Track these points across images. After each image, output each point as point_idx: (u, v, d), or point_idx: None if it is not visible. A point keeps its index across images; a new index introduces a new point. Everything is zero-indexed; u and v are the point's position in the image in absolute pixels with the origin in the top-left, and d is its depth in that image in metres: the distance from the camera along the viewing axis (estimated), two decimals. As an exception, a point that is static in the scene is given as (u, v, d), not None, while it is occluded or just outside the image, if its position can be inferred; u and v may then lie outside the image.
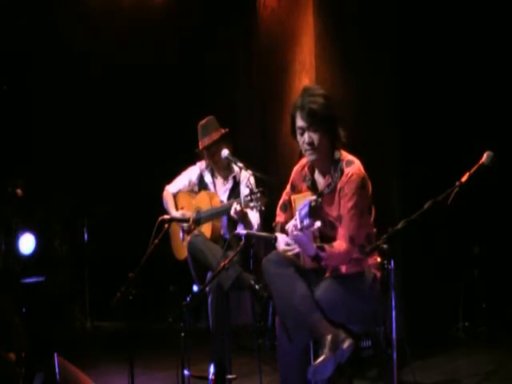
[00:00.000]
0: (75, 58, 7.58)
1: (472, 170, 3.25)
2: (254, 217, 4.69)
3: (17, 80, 7.21)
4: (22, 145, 7.39)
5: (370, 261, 3.49)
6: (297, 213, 3.22)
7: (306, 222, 3.11)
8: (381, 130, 5.99)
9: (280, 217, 3.79)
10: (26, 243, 6.94)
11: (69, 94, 7.60)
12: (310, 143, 3.45)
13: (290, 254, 3.51)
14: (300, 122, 3.46)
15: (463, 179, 3.23)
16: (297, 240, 3.27)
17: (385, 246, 3.25)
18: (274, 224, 3.79)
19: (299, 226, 3.16)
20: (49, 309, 6.87)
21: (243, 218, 4.53)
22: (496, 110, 6.06)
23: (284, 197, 3.82)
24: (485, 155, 3.28)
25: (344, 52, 6.02)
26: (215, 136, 4.86)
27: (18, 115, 7.34)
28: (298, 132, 3.49)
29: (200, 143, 4.95)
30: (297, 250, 3.50)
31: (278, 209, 3.83)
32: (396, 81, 6.13)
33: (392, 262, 3.30)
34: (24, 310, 5.97)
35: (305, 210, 3.12)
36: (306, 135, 3.45)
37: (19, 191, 6.56)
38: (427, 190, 3.52)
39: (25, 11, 7.25)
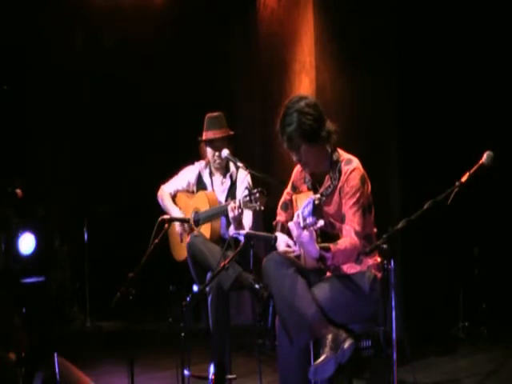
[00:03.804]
0: (75, 58, 7.58)
1: (472, 170, 3.25)
2: (247, 217, 4.69)
3: (17, 79, 7.21)
4: (21, 144, 7.39)
5: (371, 261, 3.49)
6: (299, 210, 3.21)
7: (310, 220, 3.10)
8: (381, 129, 5.99)
9: (281, 216, 3.79)
10: (26, 243, 6.94)
11: (69, 93, 7.60)
12: (299, 160, 3.52)
13: (290, 254, 3.52)
14: (284, 145, 3.51)
15: (463, 179, 3.23)
16: (300, 240, 3.25)
17: (385, 246, 3.24)
18: (274, 223, 3.80)
19: (302, 224, 3.15)
20: (49, 309, 6.87)
21: (238, 218, 4.52)
22: (496, 110, 6.06)
23: (285, 196, 3.83)
24: (485, 155, 3.28)
25: (344, 52, 6.03)
26: (220, 133, 4.84)
27: (17, 114, 7.34)
28: (289, 151, 3.54)
29: (204, 134, 4.90)
30: (297, 251, 3.50)
31: (279, 208, 3.84)
32: (396, 80, 6.13)
33: (392, 261, 3.30)
34: (24, 309, 5.96)
35: (308, 208, 3.12)
36: (293, 155, 3.51)
37: (19, 191, 6.55)
38: (427, 190, 3.52)
39: (25, 11, 7.25)
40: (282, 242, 3.58)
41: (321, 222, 3.12)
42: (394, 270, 3.29)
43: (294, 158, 3.54)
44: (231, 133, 4.90)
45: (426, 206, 3.14)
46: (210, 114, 4.94)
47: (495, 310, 5.96)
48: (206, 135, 4.89)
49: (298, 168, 3.76)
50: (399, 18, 6.10)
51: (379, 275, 3.49)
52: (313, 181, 3.62)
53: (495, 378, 4.72)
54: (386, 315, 3.45)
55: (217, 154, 4.86)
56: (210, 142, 4.87)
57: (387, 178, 5.89)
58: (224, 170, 4.98)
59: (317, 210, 3.12)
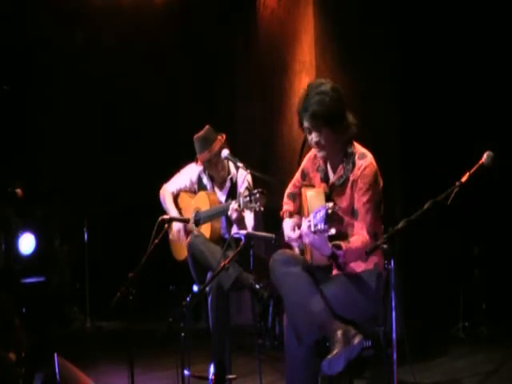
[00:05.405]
0: (74, 58, 7.58)
1: (472, 170, 3.25)
2: (249, 218, 4.68)
3: (17, 79, 7.21)
4: (22, 145, 7.39)
5: (376, 259, 3.47)
6: (311, 214, 3.18)
7: (321, 226, 3.08)
8: (382, 129, 5.98)
9: (288, 205, 3.75)
10: (26, 243, 6.94)
11: (68, 94, 7.60)
12: (317, 142, 3.46)
13: (293, 238, 3.51)
14: (305, 123, 3.45)
15: (463, 179, 3.23)
16: (311, 243, 3.24)
17: (385, 246, 3.24)
18: (281, 212, 3.76)
19: (313, 229, 3.14)
20: (49, 309, 6.87)
21: (240, 218, 4.51)
22: (496, 110, 6.06)
23: (294, 186, 3.77)
24: (485, 155, 3.27)
25: (344, 51, 6.03)
26: (215, 147, 4.78)
27: (17, 115, 7.34)
28: (306, 131, 3.48)
29: (199, 157, 4.85)
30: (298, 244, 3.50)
31: (286, 197, 3.79)
32: (397, 81, 6.14)
33: (392, 261, 3.30)
34: (24, 309, 5.96)
35: (320, 215, 3.09)
36: (312, 135, 3.45)
37: (19, 191, 6.56)
38: (427, 190, 3.52)
39: (25, 11, 7.25)
40: (289, 225, 3.57)
41: (332, 231, 3.10)
42: (393, 269, 3.29)
43: (313, 139, 3.45)
44: (223, 139, 4.86)
45: (426, 206, 3.13)
46: (196, 136, 4.84)
47: (495, 310, 5.96)
48: (202, 157, 4.84)
49: (310, 155, 3.70)
50: (400, 17, 6.10)
51: (384, 274, 3.48)
52: (326, 170, 3.59)
53: (495, 378, 4.72)
54: (386, 315, 3.45)
55: (221, 168, 4.84)
56: (209, 161, 4.85)
57: (388, 177, 5.86)
58: (224, 172, 4.94)
59: (330, 219, 3.08)
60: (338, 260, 3.30)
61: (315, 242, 3.20)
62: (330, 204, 3.12)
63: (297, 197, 3.75)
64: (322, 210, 3.09)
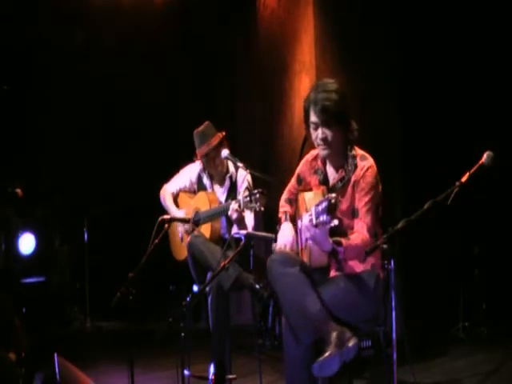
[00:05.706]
0: (74, 58, 7.58)
1: (472, 170, 3.25)
2: (249, 218, 4.68)
3: (17, 79, 7.21)
4: (22, 145, 7.39)
5: (374, 260, 3.47)
6: (312, 208, 3.17)
7: (323, 218, 3.07)
8: (382, 129, 5.99)
9: (286, 207, 3.76)
10: (26, 243, 6.95)
11: (68, 94, 7.60)
12: (324, 139, 3.44)
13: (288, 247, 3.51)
14: (313, 118, 3.44)
15: (463, 179, 3.23)
16: (312, 237, 3.23)
17: (385, 246, 3.24)
18: (280, 214, 3.76)
19: (314, 222, 3.13)
20: (49, 309, 6.87)
21: (240, 218, 4.51)
22: (496, 110, 6.06)
23: (290, 192, 3.77)
24: (485, 155, 3.27)
25: (344, 51, 6.03)
26: (214, 142, 4.80)
27: (17, 115, 7.34)
28: (312, 127, 3.47)
29: (198, 151, 4.87)
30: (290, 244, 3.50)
31: (283, 201, 3.79)
32: (397, 81, 6.13)
33: (392, 261, 3.29)
34: (24, 309, 5.97)
35: (322, 206, 3.08)
36: (319, 131, 3.44)
37: (19, 191, 6.56)
38: (427, 190, 3.52)
39: (25, 11, 7.25)
40: (287, 230, 3.56)
41: (335, 222, 3.09)
42: (393, 269, 3.29)
43: (319, 136, 3.43)
44: (222, 135, 4.86)
45: (426, 206, 3.13)
46: (196, 130, 4.88)
47: (495, 310, 5.96)
48: (201, 151, 4.85)
49: (307, 158, 3.70)
50: (400, 17, 6.10)
51: (382, 275, 3.48)
52: (325, 172, 3.59)
53: (495, 378, 4.72)
54: (386, 315, 3.45)
55: (219, 163, 4.84)
56: (207, 155, 4.85)
57: (388, 177, 5.86)
58: (224, 171, 4.94)
59: (332, 209, 3.06)
60: (337, 257, 3.30)
61: (316, 235, 3.19)
62: (333, 194, 3.10)
63: (293, 202, 3.76)
64: (324, 202, 3.08)
